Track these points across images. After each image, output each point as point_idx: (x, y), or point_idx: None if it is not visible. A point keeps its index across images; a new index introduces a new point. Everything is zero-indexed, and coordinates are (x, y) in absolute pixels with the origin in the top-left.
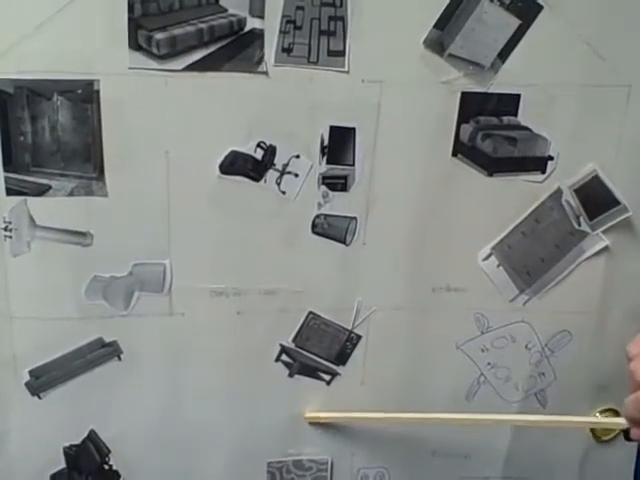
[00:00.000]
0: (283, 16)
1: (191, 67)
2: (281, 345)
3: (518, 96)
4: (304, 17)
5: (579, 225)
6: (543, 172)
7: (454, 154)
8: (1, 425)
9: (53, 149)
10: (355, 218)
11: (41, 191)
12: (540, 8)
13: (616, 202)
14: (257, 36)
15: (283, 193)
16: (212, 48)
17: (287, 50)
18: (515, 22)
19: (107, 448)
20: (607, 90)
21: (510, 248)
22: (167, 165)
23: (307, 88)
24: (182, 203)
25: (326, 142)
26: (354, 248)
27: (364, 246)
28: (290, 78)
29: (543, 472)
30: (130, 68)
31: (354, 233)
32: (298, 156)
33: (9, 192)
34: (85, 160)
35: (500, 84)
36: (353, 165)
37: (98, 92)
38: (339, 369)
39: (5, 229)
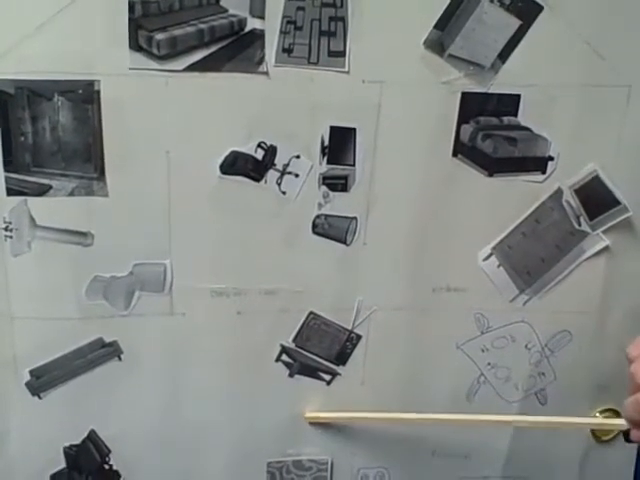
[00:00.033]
0: (284, 16)
1: (192, 67)
2: (281, 345)
3: (518, 96)
4: (304, 17)
5: (579, 225)
6: (543, 172)
7: (454, 154)
8: (1, 425)
9: (54, 149)
10: (355, 218)
11: (42, 191)
12: (540, 8)
13: (616, 202)
14: (258, 36)
15: (283, 193)
16: (213, 48)
17: (288, 50)
18: (515, 22)
19: (107, 448)
20: (607, 90)
21: (510, 248)
22: (168, 165)
23: (307, 88)
24: (183, 203)
25: (326, 142)
26: (354, 248)
27: (364, 246)
28: (290, 78)
29: (543, 472)
30: (131, 68)
31: (354, 233)
32: (298, 156)
33: (10, 192)
34: (86, 160)
35: (500, 84)
36: (353, 165)
37: (99, 92)
38: (339, 369)
39: (6, 229)
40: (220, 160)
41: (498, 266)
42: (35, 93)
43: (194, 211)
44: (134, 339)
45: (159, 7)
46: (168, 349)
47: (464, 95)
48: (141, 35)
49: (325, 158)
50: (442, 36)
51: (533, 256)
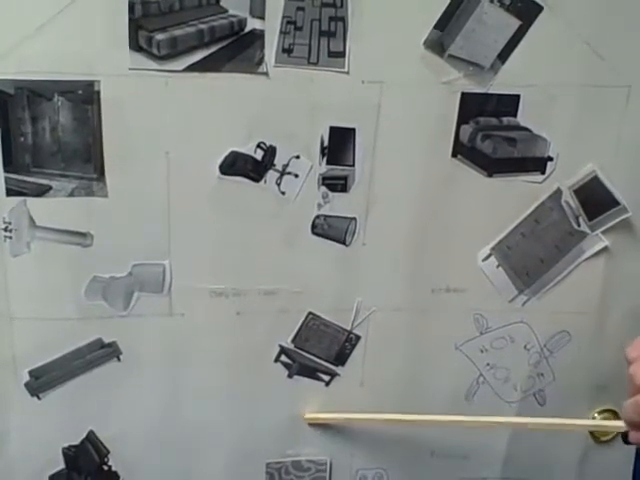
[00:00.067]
0: (283, 17)
1: (191, 68)
2: (280, 346)
3: (518, 97)
4: (304, 18)
5: (578, 226)
6: (543, 173)
7: (454, 155)
8: (1, 425)
9: (53, 150)
10: (355, 219)
11: (41, 192)
12: (540, 9)
13: (615, 202)
14: (257, 37)
15: (283, 194)
16: (212, 49)
17: (287, 51)
18: (515, 23)
19: (106, 448)
20: (607, 90)
21: (509, 249)
22: (167, 165)
23: (307, 89)
24: (182, 203)
25: (326, 143)
26: (354, 249)
27: (364, 247)
28: (290, 79)
29: (542, 472)
30: (130, 69)
31: (354, 234)
32: (298, 157)
33: (9, 193)
34: (85, 161)
35: (500, 85)
36: (353, 166)
37: (99, 93)
38: (338, 370)
39: (5, 230)
40: (220, 160)
41: (497, 266)
42: (35, 93)
43: (193, 211)
44: (133, 340)
45: (159, 7)
46: (167, 350)
47: (464, 95)
48: (141, 35)
49: (325, 158)
50: (442, 36)
51: (532, 256)
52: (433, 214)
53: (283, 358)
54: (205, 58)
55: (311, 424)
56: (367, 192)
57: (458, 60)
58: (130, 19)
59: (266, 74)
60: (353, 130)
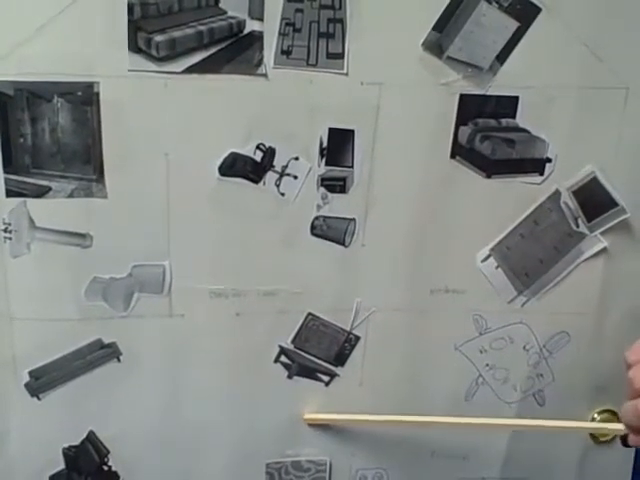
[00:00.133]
0: (282, 18)
1: (190, 69)
2: (280, 346)
3: (516, 98)
4: (303, 19)
5: (577, 227)
6: (541, 174)
7: (453, 156)
8: (1, 425)
9: (53, 151)
10: (354, 220)
11: (41, 193)
12: (538, 10)
13: (614, 204)
14: (256, 38)
15: (282, 195)
16: (211, 50)
17: (286, 52)
18: (513, 24)
19: (106, 449)
20: (605, 92)
21: (509, 249)
22: (167, 167)
23: (306, 90)
24: (182, 205)
25: (325, 144)
26: (353, 249)
27: (363, 247)
28: (289, 80)
29: (541, 473)
30: (130, 70)
31: (353, 234)
32: (297, 158)
33: (9, 193)
34: (85, 162)
35: (498, 86)
36: (352, 167)
37: (98, 94)
38: (338, 370)
39: (5, 230)
40: (219, 162)
41: (496, 267)
42: (34, 95)
43: (193, 212)
44: (133, 340)
45: (158, 9)
46: (167, 350)
47: (462, 97)
48: (140, 37)
49: (324, 160)
50: (440, 38)
51: (531, 257)
52: (432, 215)
53: (283, 359)
54: (204, 60)
55: (311, 424)
56: (366, 193)
57: (457, 61)
58: (129, 20)
59: (265, 75)
60: (352, 131)
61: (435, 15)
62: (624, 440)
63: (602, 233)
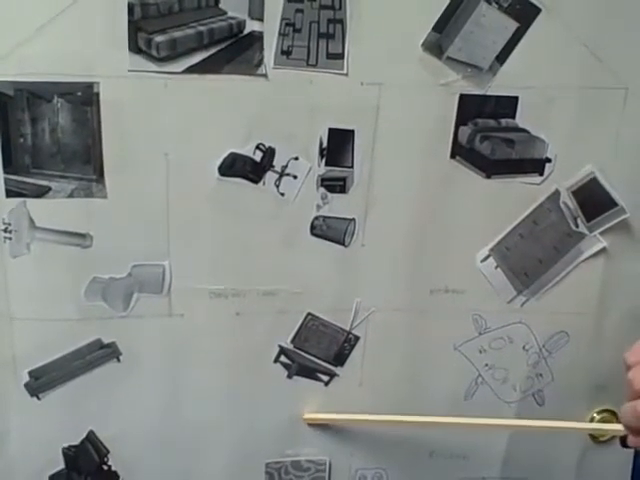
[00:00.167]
0: (282, 19)
1: (191, 69)
2: (280, 346)
3: (516, 98)
4: (303, 20)
5: (577, 227)
6: (541, 174)
7: (452, 156)
8: (1, 425)
9: (53, 151)
10: (354, 220)
11: (41, 193)
12: (538, 11)
13: (614, 204)
14: (256, 39)
15: (282, 195)
16: (212, 50)
17: (286, 53)
18: (513, 25)
19: (106, 449)
20: (604, 92)
21: (508, 250)
22: (167, 167)
23: (306, 90)
24: (181, 205)
25: (325, 144)
26: (353, 249)
27: (363, 247)
28: (289, 80)
29: (541, 472)
30: (130, 70)
31: (353, 235)
32: (297, 158)
33: (9, 194)
34: (85, 162)
35: (498, 86)
36: (352, 167)
37: (98, 94)
38: (337, 370)
39: (5, 230)
40: (219, 162)
41: (496, 267)
42: (35, 95)
43: (193, 212)
44: (133, 340)
45: (158, 9)
46: (167, 350)
47: (462, 97)
48: (140, 37)
49: (323, 160)
50: (440, 38)
51: (531, 257)
52: (432, 215)
53: (282, 358)
54: (204, 60)
55: (310, 424)
56: (366, 193)
57: (456, 62)
58: (129, 21)
59: (265, 76)
60: (352, 132)
61: (435, 16)
62: (623, 441)
63: (601, 233)
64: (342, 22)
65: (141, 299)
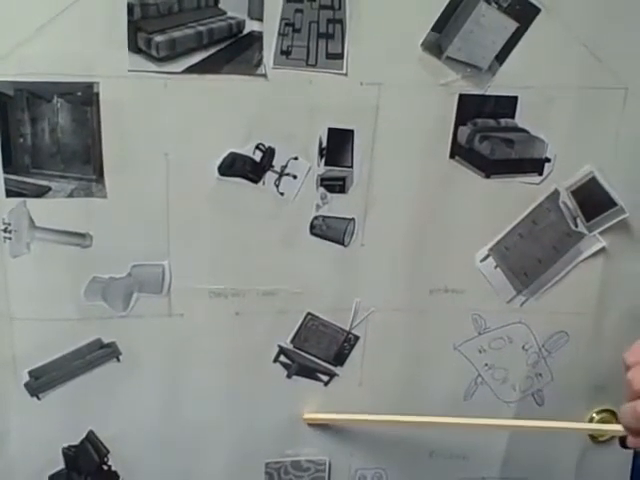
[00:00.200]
0: (282, 19)
1: (190, 69)
2: (279, 346)
3: (515, 98)
4: (303, 20)
5: (576, 226)
6: (540, 174)
7: (452, 156)
8: (1, 425)
9: (53, 151)
10: (353, 219)
11: (41, 192)
12: (537, 11)
13: (613, 203)
14: (256, 39)
15: (282, 194)
16: (211, 50)
17: (286, 53)
18: (512, 25)
19: (106, 448)
20: (604, 92)
21: (507, 249)
22: (166, 167)
23: (306, 90)
24: (181, 204)
25: (324, 144)
26: (352, 249)
27: (362, 247)
28: (289, 80)
29: (541, 472)
30: (130, 71)
31: (352, 234)
32: (297, 158)
33: (9, 193)
34: (85, 162)
35: (498, 86)
36: (351, 167)
37: (98, 94)
38: (337, 370)
39: (5, 230)
40: (218, 162)
41: (495, 267)
42: (34, 95)
43: (193, 212)
44: (132, 340)
45: (158, 9)
46: (166, 350)
47: (462, 97)
48: (140, 37)
49: (323, 160)
50: (440, 38)
51: (530, 257)
52: (431, 215)
53: (282, 358)
54: (204, 60)
55: (310, 424)
56: (365, 193)
57: (456, 62)
58: (129, 21)
59: (265, 76)
60: (351, 131)
61: (434, 15)
62: (622, 442)
63: (601, 233)
64: (341, 22)
65: (141, 299)
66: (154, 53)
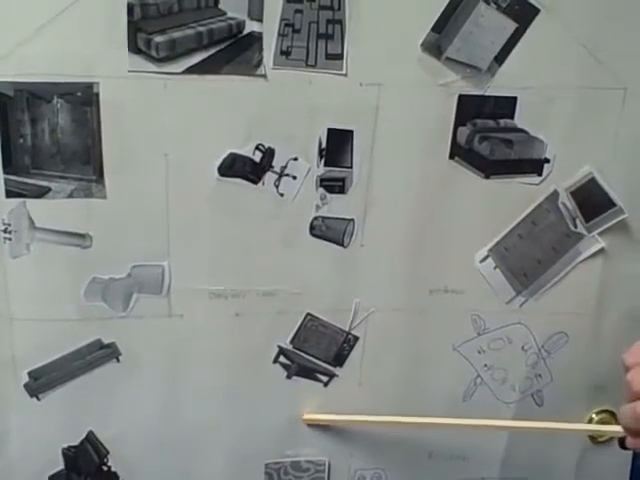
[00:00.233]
0: (282, 19)
1: (190, 70)
2: (279, 346)
3: (515, 99)
4: (302, 20)
5: (575, 227)
6: (539, 174)
7: (451, 156)
8: (1, 426)
9: (53, 151)
10: (353, 220)
11: (41, 193)
12: (537, 11)
13: (612, 204)
14: (256, 39)
15: (281, 195)
16: (211, 51)
17: (286, 53)
18: (512, 25)
19: (105, 449)
20: (603, 92)
21: (507, 250)
22: (166, 167)
23: (305, 91)
24: (181, 205)
25: (324, 145)
26: (352, 250)
27: (362, 248)
28: (288, 81)
29: (540, 473)
30: (130, 71)
31: (352, 235)
32: (296, 158)
33: (9, 194)
34: (85, 162)
35: (497, 87)
36: (351, 167)
37: (98, 95)
38: (336, 370)
39: (5, 231)
40: (218, 162)
41: (495, 268)
42: (34, 95)
43: (192, 213)
44: (132, 340)
45: (158, 10)
46: (166, 351)
47: (461, 97)
48: (140, 38)
49: (323, 160)
50: (439, 39)
51: (529, 258)
52: (431, 215)
53: (282, 359)
54: (204, 60)
55: (310, 425)
56: (365, 194)
57: (455, 62)
58: (129, 21)
59: (264, 76)
60: (351, 132)
61: (434, 16)
62: (622, 442)
63: (600, 233)
64: (341, 22)
65: (141, 299)
66: (154, 53)
